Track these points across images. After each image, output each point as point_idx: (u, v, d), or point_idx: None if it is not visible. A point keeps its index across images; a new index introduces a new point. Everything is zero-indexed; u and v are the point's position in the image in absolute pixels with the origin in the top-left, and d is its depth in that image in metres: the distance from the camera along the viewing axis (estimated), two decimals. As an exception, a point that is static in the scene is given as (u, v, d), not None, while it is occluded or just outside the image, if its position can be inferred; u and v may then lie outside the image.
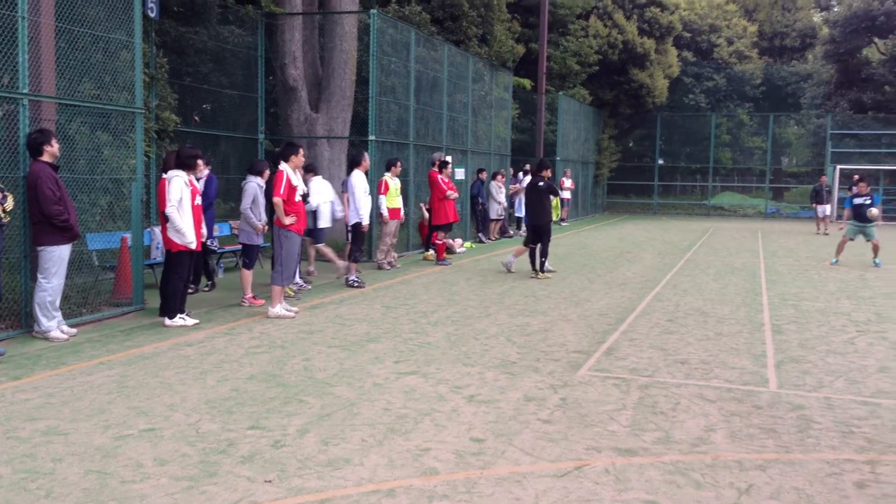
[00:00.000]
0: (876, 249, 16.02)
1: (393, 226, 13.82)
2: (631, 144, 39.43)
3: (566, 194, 27.02)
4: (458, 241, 17.23)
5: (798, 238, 23.23)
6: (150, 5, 11.81)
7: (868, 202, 15.81)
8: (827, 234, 24.00)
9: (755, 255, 18.01)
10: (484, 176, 19.94)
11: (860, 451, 5.18)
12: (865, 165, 33.09)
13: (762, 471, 4.82)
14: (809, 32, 44.19)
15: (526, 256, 13.68)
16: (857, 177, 21.93)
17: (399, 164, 13.82)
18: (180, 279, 8.81)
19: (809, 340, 8.66)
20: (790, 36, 44.20)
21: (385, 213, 13.41)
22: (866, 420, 5.85)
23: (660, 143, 37.82)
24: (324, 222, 12.17)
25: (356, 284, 11.76)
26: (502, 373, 6.99)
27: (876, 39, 36.72)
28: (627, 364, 7.43)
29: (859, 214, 15.90)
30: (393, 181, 13.55)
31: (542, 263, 13.34)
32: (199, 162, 9.31)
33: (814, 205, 25.87)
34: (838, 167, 33.46)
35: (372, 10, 14.98)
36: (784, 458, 5.03)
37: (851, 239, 16.18)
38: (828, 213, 25.74)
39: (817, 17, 47.26)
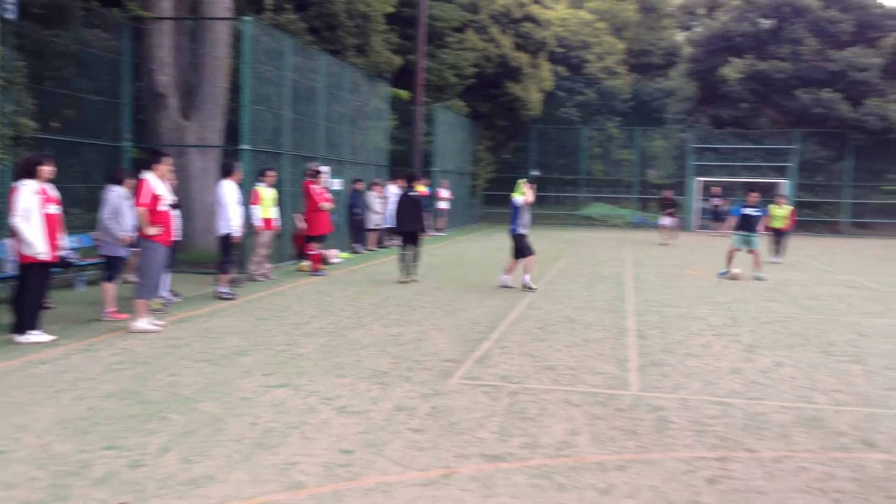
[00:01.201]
0: (758, 261, 16.04)
1: (266, 237, 13.58)
2: (507, 156, 40.17)
3: (443, 205, 27.28)
4: (334, 251, 17.10)
5: (662, 247, 24.22)
6: (8, 6, 11.20)
7: (757, 213, 16.23)
8: (668, 245, 24.63)
9: (622, 264, 18.67)
10: (361, 186, 19.88)
11: (712, 449, 5.44)
12: (724, 178, 34.89)
13: (622, 471, 4.99)
14: (673, 51, 46.33)
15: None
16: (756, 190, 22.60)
17: (272, 173, 13.61)
18: (33, 293, 8.36)
19: (670, 345, 9.04)
20: (656, 54, 46.20)
21: (257, 223, 13.16)
22: (719, 419, 6.15)
23: (534, 155, 38.73)
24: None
25: (227, 297, 11.48)
26: (374, 383, 6.97)
27: (733, 59, 38.85)
28: (498, 371, 7.55)
29: (747, 224, 16.15)
30: (266, 191, 13.33)
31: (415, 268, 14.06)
32: (45, 169, 8.56)
33: (661, 216, 26.49)
34: (699, 179, 35.21)
35: (245, 18, 14.70)
36: (642, 458, 5.23)
37: (738, 249, 16.22)
38: (673, 224, 26.09)
39: (680, 37, 49.58)
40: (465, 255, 20.11)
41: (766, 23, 37.39)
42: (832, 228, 35.13)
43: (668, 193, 27.24)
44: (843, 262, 20.43)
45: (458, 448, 5.35)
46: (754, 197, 16.52)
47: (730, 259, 16.14)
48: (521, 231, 13.51)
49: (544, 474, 4.91)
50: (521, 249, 13.51)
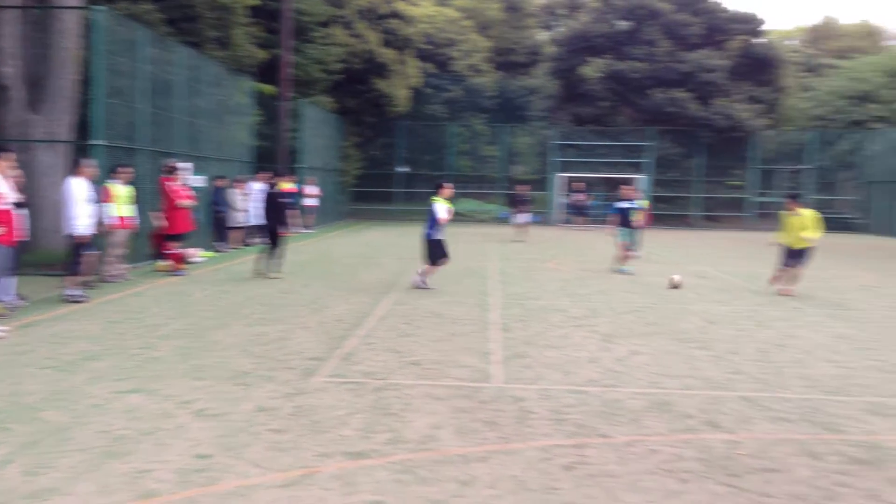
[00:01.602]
0: (624, 255, 16.38)
1: (121, 236, 13.00)
2: (375, 152, 40.12)
3: (311, 202, 26.94)
4: (195, 250, 16.57)
5: (523, 243, 24.75)
6: None
7: (631, 206, 16.50)
8: (523, 242, 24.34)
9: (488, 259, 18.98)
10: (224, 183, 19.35)
11: (570, 437, 5.61)
12: (585, 173, 36.07)
13: (483, 462, 5.07)
14: (536, 50, 47.49)
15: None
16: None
17: (126, 169, 13.04)
18: None
19: (532, 337, 9.26)
20: (520, 52, 47.24)
21: (110, 222, 12.58)
22: (577, 407, 6.35)
23: (402, 152, 38.85)
24: None
25: (78, 299, 10.91)
26: (235, 384, 6.80)
27: (593, 59, 40.19)
28: (363, 368, 7.52)
29: (625, 219, 16.46)
30: (120, 188, 12.76)
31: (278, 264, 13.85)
32: None
33: (513, 212, 25.83)
34: (561, 175, 36.27)
35: (97, 7, 14.00)
36: (504, 449, 5.33)
37: (625, 243, 16.44)
38: (528, 220, 25.67)
39: (543, 36, 50.88)
40: (332, 252, 19.94)
41: (623, 24, 38.91)
42: (684, 222, 36.94)
43: (523, 189, 26.93)
44: (695, 254, 21.51)
45: (321, 447, 5.29)
46: (629, 190, 16.90)
47: (623, 256, 16.45)
48: (438, 237, 13.11)
49: (407, 469, 4.92)
50: (436, 254, 13.06)
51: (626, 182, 17.42)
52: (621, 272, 16.05)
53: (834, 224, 36.73)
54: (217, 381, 6.88)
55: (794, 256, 13.04)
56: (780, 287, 13.41)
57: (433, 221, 13.06)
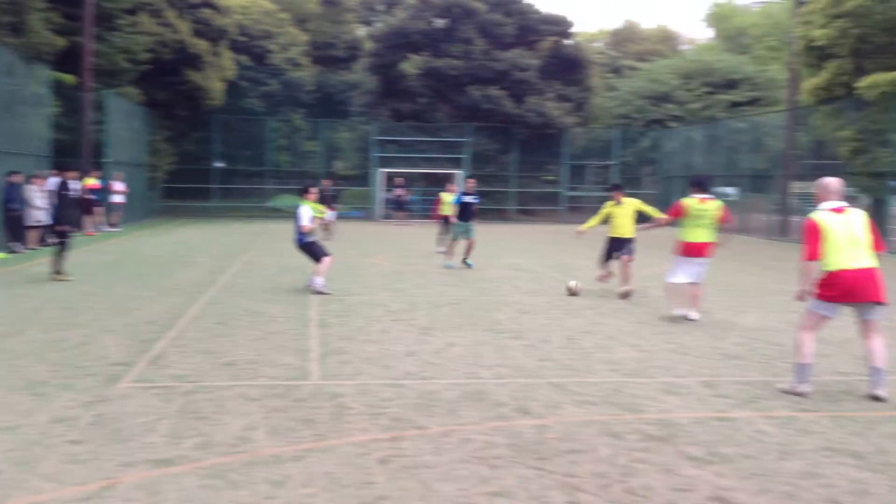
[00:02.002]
0: (471, 248, 16.33)
1: None
2: (189, 147, 38.59)
3: (118, 198, 25.56)
4: (-12, 251, 15.29)
5: (347, 236, 24.68)
6: None
7: (475, 200, 16.48)
8: (331, 239, 22.71)
9: (310, 255, 18.74)
10: (19, 179, 17.96)
11: (386, 430, 5.63)
12: (406, 169, 36.42)
13: (298, 461, 4.98)
14: (355, 45, 47.38)
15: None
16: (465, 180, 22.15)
17: None
18: None
19: (350, 332, 9.23)
20: (338, 47, 46.96)
21: None
22: (393, 401, 6.38)
23: (218, 146, 37.62)
24: None
25: None
26: (29, 395, 6.32)
27: (411, 55, 40.59)
28: (173, 372, 7.20)
29: (465, 212, 16.24)
30: None
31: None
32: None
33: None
34: (382, 170, 36.45)
35: None
36: (319, 446, 5.26)
37: (457, 238, 16.38)
38: (333, 216, 22.56)
39: (362, 31, 50.84)
40: (141, 250, 19.00)
41: (440, 22, 39.54)
42: (502, 215, 38.12)
43: (327, 184, 25.68)
44: (510, 247, 22.24)
45: (124, 456, 5.01)
46: (472, 183, 17.00)
47: (452, 251, 16.46)
48: (309, 239, 12.75)
49: (217, 473, 4.76)
50: (318, 253, 12.62)
51: (472, 175, 17.41)
52: (448, 267, 16.12)
53: (638, 217, 39.17)
54: (8, 392, 6.37)
55: (619, 247, 13.01)
56: (602, 274, 13.33)
57: (300, 227, 12.68)
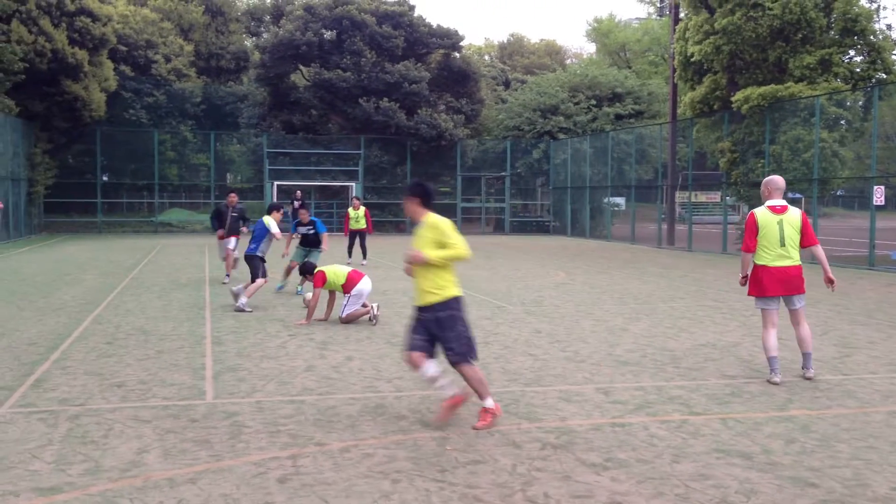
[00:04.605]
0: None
1: None
2: (70, 160, 37.04)
3: (-7, 214, 24.30)
4: None
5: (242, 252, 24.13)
6: None
7: (310, 230, 14.59)
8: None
9: (201, 270, 18.29)
10: None
11: (284, 448, 5.53)
12: (300, 181, 36.01)
13: (193, 483, 4.83)
14: (243, 56, 46.53)
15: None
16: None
17: None
18: None
19: (246, 348, 9.04)
20: (225, 58, 46.01)
21: None
22: (292, 417, 6.28)
23: (101, 159, 36.26)
24: None
25: None
26: None
27: (301, 67, 40.21)
28: (58, 395, 6.88)
29: (308, 240, 14.53)
30: None
31: None
32: None
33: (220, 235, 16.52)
34: (276, 183, 35.95)
35: None
36: (215, 467, 5.12)
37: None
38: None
39: (249, 42, 50.00)
40: (21, 269, 18.11)
41: (329, 34, 39.32)
42: (398, 228, 38.15)
43: (233, 200, 23.68)
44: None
45: (7, 485, 4.75)
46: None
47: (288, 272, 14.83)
48: (259, 254, 12.37)
49: (107, 500, 4.56)
50: (255, 272, 12.20)
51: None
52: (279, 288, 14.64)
53: (531, 227, 39.95)
54: None
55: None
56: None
57: (259, 237, 12.44)
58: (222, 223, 16.14)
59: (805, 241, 7.60)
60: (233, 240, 16.00)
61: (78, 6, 31.96)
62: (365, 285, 10.97)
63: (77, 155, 37.41)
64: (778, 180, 7.73)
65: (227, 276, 16.02)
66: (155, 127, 37.87)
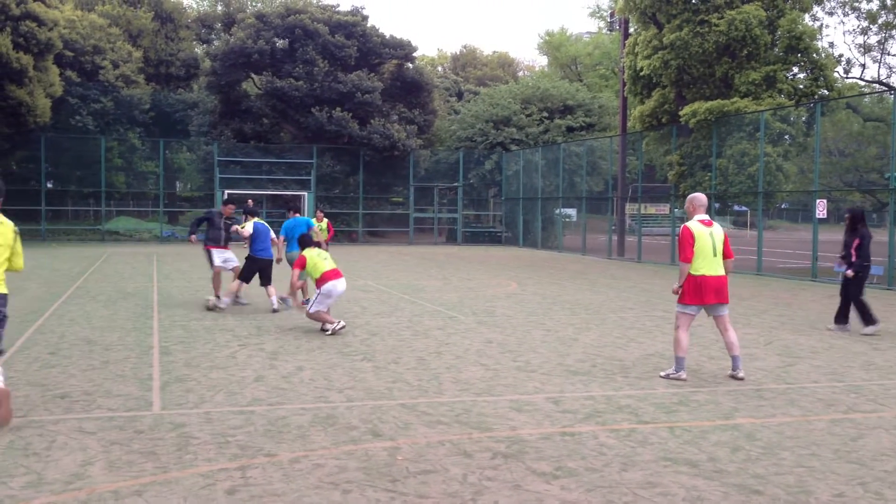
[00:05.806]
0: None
1: None
2: (14, 166, 36.20)
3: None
4: None
5: (192, 261, 23.89)
6: None
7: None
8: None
9: (149, 280, 18.00)
10: None
11: (233, 459, 5.46)
12: (251, 190, 35.68)
13: (139, 496, 4.75)
14: (193, 63, 46.01)
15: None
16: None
17: None
18: None
19: (195, 358, 8.91)
20: (175, 65, 45.44)
21: None
22: (241, 428, 6.20)
23: (46, 166, 35.49)
24: None
25: None
26: None
27: (253, 75, 39.90)
28: (-2, 407, 6.69)
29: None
30: None
31: None
32: None
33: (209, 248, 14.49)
34: (227, 191, 35.55)
35: None
36: (161, 479, 5.04)
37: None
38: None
39: (199, 50, 49.48)
40: (-40, 278, 17.59)
41: (280, 42, 39.10)
42: (350, 237, 38.02)
43: (230, 210, 22.13)
44: (359, 269, 22.21)
45: (-57, 502, 4.61)
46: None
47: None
48: (260, 256, 13.21)
49: (50, 515, 4.46)
50: (244, 273, 13.19)
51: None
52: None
53: (484, 237, 40.10)
54: None
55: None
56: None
57: (266, 239, 13.30)
58: (215, 233, 14.14)
59: (726, 254, 8.23)
60: (227, 252, 14.14)
61: (23, 10, 31.33)
62: (337, 286, 10.93)
63: (21, 161, 36.59)
64: (702, 197, 8.38)
65: (219, 297, 13.53)
66: (102, 134, 37.21)
